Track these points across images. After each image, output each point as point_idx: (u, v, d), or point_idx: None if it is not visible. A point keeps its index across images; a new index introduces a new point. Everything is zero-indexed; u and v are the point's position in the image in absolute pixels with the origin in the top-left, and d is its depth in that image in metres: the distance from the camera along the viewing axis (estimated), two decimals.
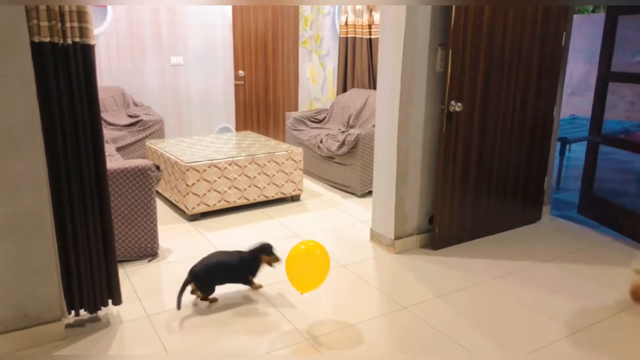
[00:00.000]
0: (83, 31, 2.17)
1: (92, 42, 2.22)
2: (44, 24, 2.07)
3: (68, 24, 2.12)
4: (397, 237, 3.28)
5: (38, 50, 2.08)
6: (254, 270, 2.72)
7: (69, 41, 2.14)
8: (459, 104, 3.11)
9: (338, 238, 3.54)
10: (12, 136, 2.04)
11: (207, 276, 2.60)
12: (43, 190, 2.14)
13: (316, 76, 6.43)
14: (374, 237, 3.45)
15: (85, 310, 2.39)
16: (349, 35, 5.50)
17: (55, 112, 2.16)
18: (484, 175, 3.43)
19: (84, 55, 2.20)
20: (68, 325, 2.36)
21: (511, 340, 2.32)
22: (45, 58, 2.10)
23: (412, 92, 3.09)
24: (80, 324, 2.40)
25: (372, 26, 5.18)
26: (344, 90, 5.70)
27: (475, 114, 3.25)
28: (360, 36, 5.34)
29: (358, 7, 5.29)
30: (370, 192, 4.41)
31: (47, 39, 2.09)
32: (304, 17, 6.36)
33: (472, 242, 3.47)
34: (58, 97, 2.16)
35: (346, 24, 5.50)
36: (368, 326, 2.43)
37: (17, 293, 2.16)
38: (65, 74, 2.16)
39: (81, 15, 2.16)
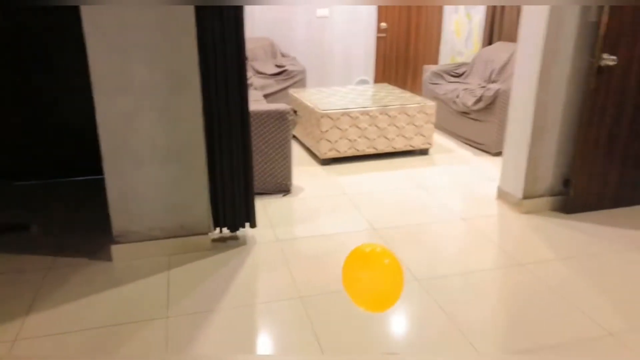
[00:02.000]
0: None
1: None
2: None
3: None
4: (525, 197, 3.16)
5: (199, 6, 2.39)
6: None
7: None
8: (613, 57, 2.81)
9: (462, 193, 3.52)
10: (177, 77, 2.41)
11: None
12: (198, 123, 2.51)
13: (461, 29, 6.16)
14: (501, 195, 3.37)
15: (227, 229, 2.79)
16: None
17: (209, 58, 2.48)
18: (637, 138, 3.09)
19: (235, 8, 2.47)
20: (213, 240, 2.78)
21: (630, 313, 2.17)
22: (204, 10, 2.41)
23: (558, 43, 2.87)
24: (223, 240, 2.81)
25: None
26: (490, 43, 5.41)
27: (632, 69, 2.91)
28: None
29: None
30: None
31: None
32: None
33: (614, 210, 3.19)
34: (213, 46, 2.47)
35: None
36: (479, 277, 2.46)
37: (177, 206, 2.60)
38: (219, 24, 2.46)
39: None
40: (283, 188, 3.48)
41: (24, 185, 3.60)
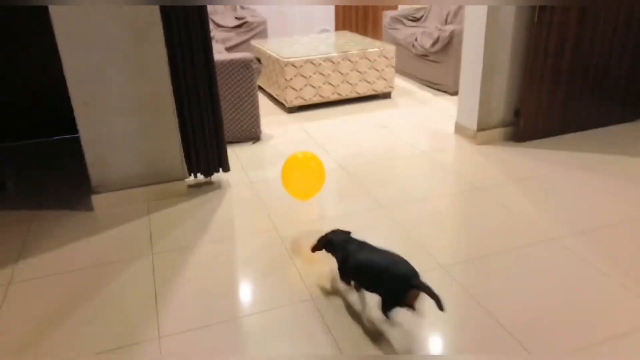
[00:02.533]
0: None
1: None
2: None
3: None
4: (480, 129, 3.39)
5: None
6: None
7: None
8: None
9: (423, 130, 3.73)
10: (138, 25, 2.47)
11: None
12: (165, 73, 2.59)
13: None
14: (458, 129, 3.59)
15: (201, 174, 2.92)
16: None
17: (170, 9, 2.54)
18: (579, 69, 3.32)
19: None
20: (189, 186, 2.92)
21: (577, 220, 2.44)
22: None
23: None
24: (198, 185, 2.95)
25: None
26: None
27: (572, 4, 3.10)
28: None
29: None
30: None
31: None
32: None
33: (561, 137, 3.47)
34: None
35: None
36: (439, 201, 2.69)
37: (151, 155, 2.72)
38: None
39: None
40: (252, 136, 3.61)
41: None
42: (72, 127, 2.58)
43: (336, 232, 2.02)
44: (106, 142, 2.61)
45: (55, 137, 3.79)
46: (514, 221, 2.46)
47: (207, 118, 2.83)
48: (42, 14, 2.47)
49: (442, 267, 2.12)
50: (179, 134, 2.75)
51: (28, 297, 2.02)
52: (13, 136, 3.71)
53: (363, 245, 1.89)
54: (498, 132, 3.43)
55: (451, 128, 3.69)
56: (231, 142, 3.56)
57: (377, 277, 1.71)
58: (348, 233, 2.02)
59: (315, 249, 2.04)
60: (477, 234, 2.37)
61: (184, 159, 2.83)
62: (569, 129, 3.50)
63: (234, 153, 3.43)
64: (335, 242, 1.94)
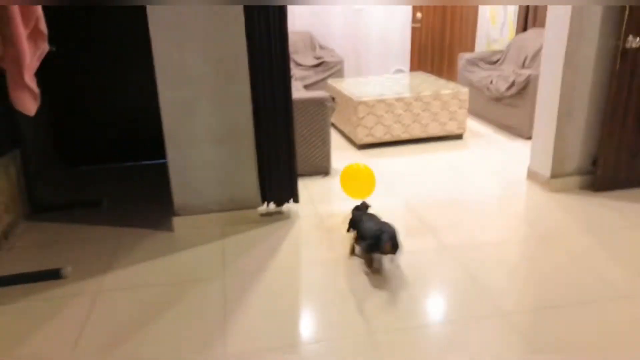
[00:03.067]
0: None
1: None
2: None
3: None
4: (553, 176, 3.31)
5: (247, 7, 2.69)
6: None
7: None
8: (638, 39, 2.93)
9: (494, 174, 3.69)
10: (229, 66, 2.72)
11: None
12: (247, 108, 2.82)
13: (496, 16, 6.25)
14: (531, 175, 3.53)
15: (274, 204, 3.09)
16: None
17: (256, 49, 2.78)
18: None
19: (280, 7, 2.74)
20: (261, 214, 3.09)
21: None
22: (252, 11, 2.70)
23: (583, 27, 3.01)
24: (269, 214, 3.11)
25: None
26: (524, 30, 5.50)
27: None
28: None
29: None
30: None
31: None
32: None
33: None
34: (259, 38, 2.77)
35: None
36: (504, 247, 2.66)
37: (229, 183, 2.93)
38: (265, 20, 2.74)
39: None
40: (323, 170, 3.76)
41: (96, 169, 4.04)
42: (163, 153, 2.85)
43: (356, 209, 2.76)
44: (190, 169, 2.86)
45: (149, 162, 4.16)
46: (583, 274, 2.38)
47: (283, 151, 3.01)
48: (147, 52, 2.79)
49: (504, 314, 2.09)
50: (256, 165, 2.95)
51: (112, 306, 2.23)
52: (113, 158, 4.12)
53: (371, 217, 2.60)
54: (573, 180, 3.34)
55: (524, 173, 3.63)
56: (302, 175, 3.72)
57: (370, 235, 2.44)
58: (366, 208, 2.77)
59: (348, 229, 2.70)
60: (543, 284, 2.31)
61: (259, 188, 3.01)
62: None
63: (304, 185, 3.58)
64: (355, 219, 2.64)
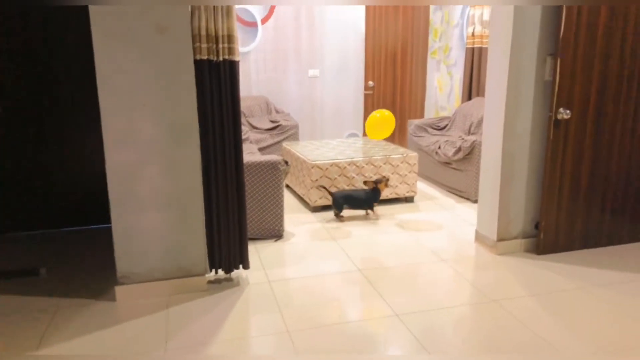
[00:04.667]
0: (231, 50, 2.80)
1: (237, 59, 2.83)
2: (204, 45, 2.73)
3: (220, 45, 2.76)
4: (500, 239, 3.41)
5: (199, 66, 2.74)
6: (376, 199, 4.12)
7: (221, 58, 2.77)
8: (568, 111, 3.16)
9: (444, 237, 3.77)
10: (178, 130, 2.72)
11: (340, 200, 4.11)
12: (197, 172, 2.80)
13: (443, 85, 6.62)
14: (479, 238, 3.62)
15: (222, 271, 3.01)
16: (475, 46, 5.63)
17: (207, 113, 2.81)
18: (598, 185, 3.38)
19: (231, 68, 2.82)
20: (209, 282, 2.99)
21: (598, 344, 2.37)
22: (203, 72, 2.75)
23: (519, 100, 3.22)
24: (218, 281, 3.02)
25: None
26: (469, 98, 5.83)
27: (587, 122, 3.25)
28: (487, 46, 5.44)
29: (485, 18, 5.40)
30: None
31: (205, 57, 2.75)
32: (434, 29, 6.61)
33: (582, 252, 3.44)
34: (210, 102, 2.80)
35: (473, 34, 5.64)
36: (456, 312, 2.66)
37: (176, 250, 2.84)
38: (216, 83, 2.80)
39: (230, 38, 2.78)
40: (275, 233, 3.72)
41: (33, 235, 3.84)
42: (107, 217, 2.75)
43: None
44: (135, 235, 2.77)
45: (91, 226, 4.00)
46: (532, 341, 2.40)
47: (233, 217, 2.97)
48: (93, 110, 2.76)
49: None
50: (204, 230, 2.89)
51: None
52: (51, 223, 3.94)
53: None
54: (518, 243, 3.44)
55: (471, 236, 3.72)
56: (254, 239, 3.67)
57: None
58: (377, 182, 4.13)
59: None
60: (497, 351, 2.31)
61: (207, 255, 2.93)
62: (591, 244, 3.48)
63: (255, 249, 3.52)
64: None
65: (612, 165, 3.38)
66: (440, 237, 3.75)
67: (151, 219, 2.77)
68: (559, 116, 3.17)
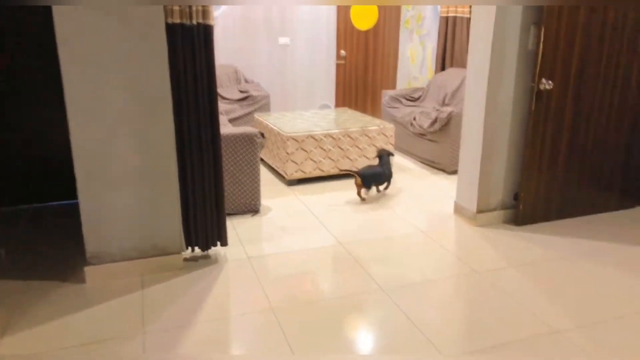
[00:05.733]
0: (205, 14, 2.60)
1: (212, 23, 2.64)
2: (176, 8, 2.52)
3: (194, 8, 2.55)
4: (479, 211, 3.40)
5: (171, 31, 2.53)
6: (391, 173, 4.09)
7: (194, 22, 2.57)
8: (550, 82, 3.13)
9: (422, 209, 3.74)
10: (149, 103, 2.52)
11: (370, 179, 3.92)
12: (171, 147, 2.62)
13: (416, 56, 6.52)
14: (457, 210, 3.60)
15: (199, 248, 2.88)
16: (449, 15, 5.53)
17: (181, 83, 2.62)
18: (576, 156, 3.40)
19: (206, 33, 2.62)
20: (185, 260, 2.86)
21: (580, 312, 2.39)
22: (176, 37, 2.55)
23: (502, 70, 3.16)
24: (195, 259, 2.89)
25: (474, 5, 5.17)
26: (443, 69, 5.76)
27: (568, 92, 3.23)
28: (461, 15, 5.36)
29: None
30: None
31: (178, 21, 2.54)
32: None
33: (560, 222, 3.48)
34: (184, 69, 2.61)
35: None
36: (439, 284, 2.64)
37: (149, 227, 2.68)
38: (190, 50, 2.60)
39: None
40: (252, 208, 3.60)
41: None
42: (71, 193, 2.56)
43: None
44: (105, 213, 2.59)
45: (53, 203, 3.76)
46: (516, 310, 2.41)
47: (210, 192, 2.83)
48: (56, 80, 2.53)
49: (440, 356, 2.04)
50: (179, 207, 2.74)
51: None
52: (9, 200, 3.67)
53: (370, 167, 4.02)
54: (497, 214, 3.44)
55: (450, 208, 3.70)
56: (230, 214, 3.54)
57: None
58: (388, 154, 4.07)
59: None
60: (480, 324, 2.30)
61: (182, 232, 2.79)
62: (568, 214, 3.52)
63: (232, 225, 3.40)
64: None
65: (589, 137, 3.40)
66: (419, 210, 3.72)
67: (122, 196, 2.59)
68: (541, 87, 3.14)
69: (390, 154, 4.07)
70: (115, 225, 2.62)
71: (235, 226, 3.39)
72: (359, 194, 3.96)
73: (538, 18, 3.11)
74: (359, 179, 3.88)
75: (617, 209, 3.67)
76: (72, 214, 3.43)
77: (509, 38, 3.12)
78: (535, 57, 3.12)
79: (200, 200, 2.81)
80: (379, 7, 6.40)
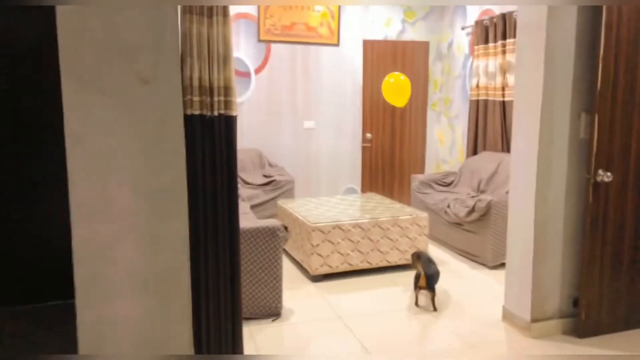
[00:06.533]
0: (227, 104, 2.40)
1: (234, 114, 2.44)
2: (196, 98, 2.33)
3: (216, 98, 2.36)
4: (534, 320, 2.94)
5: (190, 122, 2.33)
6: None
7: (215, 113, 2.37)
8: (608, 173, 2.79)
9: (465, 313, 3.29)
10: (162, 199, 2.26)
11: (435, 277, 3.32)
12: (184, 248, 2.32)
13: (445, 138, 6.31)
14: (507, 316, 3.14)
15: None
16: (480, 98, 5.35)
17: (198, 177, 2.37)
18: None
19: (227, 125, 2.41)
20: None
21: None
22: (195, 128, 2.34)
23: (551, 160, 2.85)
24: None
25: (506, 89, 4.99)
26: (475, 153, 5.50)
27: (629, 184, 2.88)
28: (493, 99, 5.16)
29: (490, 69, 5.15)
30: (503, 264, 4.09)
31: (198, 112, 2.34)
32: (434, 80, 6.37)
33: (628, 332, 2.98)
34: (202, 163, 2.37)
35: (477, 86, 5.37)
36: None
37: (155, 341, 2.32)
38: (210, 142, 2.38)
39: (227, 90, 2.39)
40: (272, 312, 3.21)
41: None
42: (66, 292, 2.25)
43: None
44: (106, 326, 2.25)
45: (49, 303, 3.43)
46: None
47: (225, 298, 2.48)
48: (60, 178, 2.30)
49: None
50: (190, 316, 2.38)
51: None
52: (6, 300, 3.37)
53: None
54: (555, 324, 2.98)
55: (498, 314, 3.24)
56: (247, 319, 3.15)
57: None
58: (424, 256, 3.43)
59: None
60: None
61: (192, 344, 2.41)
62: (637, 323, 3.03)
63: (249, 333, 3.01)
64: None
65: None
66: (462, 315, 3.27)
67: (126, 306, 2.26)
68: (599, 179, 2.80)
69: (430, 259, 3.41)
70: (116, 340, 2.26)
71: (253, 334, 3.00)
72: (417, 300, 3.36)
73: (588, 104, 2.84)
74: (423, 280, 3.21)
75: None
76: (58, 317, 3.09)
77: (558, 125, 2.84)
78: (589, 147, 2.81)
79: (215, 307, 2.46)
80: None
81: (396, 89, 4.22)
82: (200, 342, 2.45)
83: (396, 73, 4.28)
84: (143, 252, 2.26)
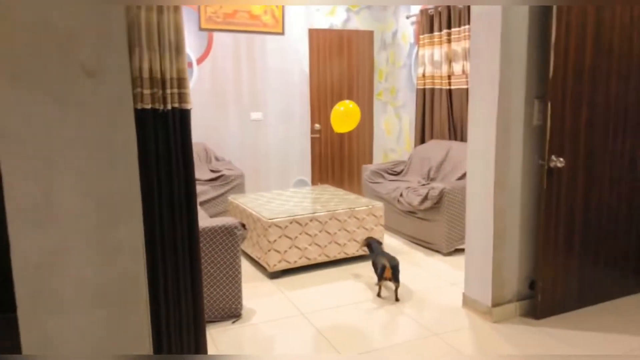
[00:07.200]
0: (182, 97, 2.22)
1: (189, 107, 2.27)
2: (147, 91, 2.13)
3: (168, 91, 2.18)
4: (494, 304, 3.01)
5: (141, 117, 2.13)
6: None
7: (169, 107, 2.19)
8: (561, 159, 2.87)
9: (426, 302, 3.31)
10: (113, 200, 2.07)
11: (398, 268, 3.32)
12: (140, 254, 2.14)
13: (391, 128, 6.36)
14: (468, 302, 3.19)
15: None
16: (426, 87, 5.41)
17: (153, 176, 2.19)
18: (591, 237, 3.11)
19: (182, 119, 2.24)
20: None
21: None
22: (147, 124, 2.15)
23: (509, 148, 2.90)
24: None
25: (452, 77, 5.07)
26: (423, 141, 5.57)
27: (579, 169, 2.99)
28: (439, 87, 5.24)
29: (436, 58, 5.22)
30: (457, 250, 4.18)
31: (149, 106, 2.15)
32: (379, 69, 6.38)
33: (580, 311, 3.12)
34: (156, 162, 2.19)
35: (423, 75, 5.43)
36: None
37: (110, 356, 2.13)
38: (164, 138, 2.20)
39: (180, 81, 2.21)
40: (233, 313, 3.07)
41: None
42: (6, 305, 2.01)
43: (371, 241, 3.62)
44: (54, 345, 2.03)
45: None
46: None
47: (186, 302, 2.33)
48: None
49: None
50: (150, 329, 2.21)
51: None
52: None
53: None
54: (513, 307, 3.06)
55: (458, 300, 3.28)
56: (207, 322, 3.00)
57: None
58: (379, 243, 3.62)
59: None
60: None
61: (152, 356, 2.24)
62: (588, 301, 3.17)
63: (210, 336, 2.86)
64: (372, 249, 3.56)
65: (602, 216, 3.13)
66: (424, 304, 3.29)
67: (78, 319, 2.06)
68: (552, 164, 2.88)
69: (380, 242, 3.66)
70: (69, 354, 2.06)
71: (214, 338, 2.85)
72: (380, 291, 3.39)
73: (541, 91, 2.90)
74: (389, 272, 3.23)
75: (638, 292, 3.35)
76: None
77: (513, 113, 2.89)
78: (543, 133, 2.88)
79: (175, 314, 2.30)
80: (352, 78, 6.28)
81: (345, 117, 4.13)
82: (160, 351, 2.28)
83: (347, 101, 4.19)
84: (94, 260, 2.05)
